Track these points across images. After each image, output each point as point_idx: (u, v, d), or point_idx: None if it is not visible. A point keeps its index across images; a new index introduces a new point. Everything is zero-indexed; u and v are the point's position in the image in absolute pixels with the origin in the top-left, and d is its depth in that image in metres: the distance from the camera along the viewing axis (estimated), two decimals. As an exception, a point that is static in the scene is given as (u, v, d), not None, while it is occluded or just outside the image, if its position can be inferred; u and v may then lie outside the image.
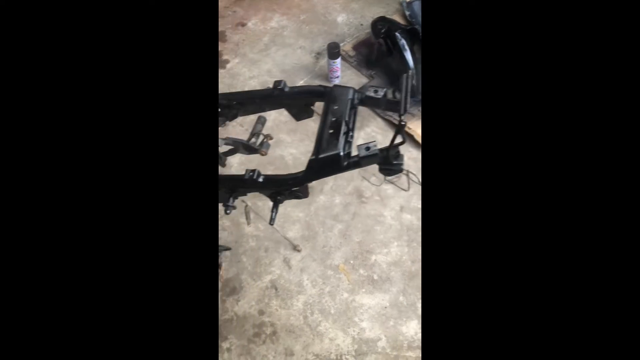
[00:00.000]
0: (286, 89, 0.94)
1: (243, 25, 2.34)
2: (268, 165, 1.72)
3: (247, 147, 1.14)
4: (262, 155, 1.19)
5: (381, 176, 1.68)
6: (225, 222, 1.60)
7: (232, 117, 0.97)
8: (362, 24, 2.25)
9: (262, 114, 1.20)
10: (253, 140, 1.15)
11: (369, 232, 1.54)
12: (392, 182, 1.66)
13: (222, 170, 1.29)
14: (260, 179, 0.81)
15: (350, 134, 0.81)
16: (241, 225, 1.59)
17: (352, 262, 1.48)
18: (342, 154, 0.78)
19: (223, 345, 1.34)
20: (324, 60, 2.13)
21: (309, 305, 1.40)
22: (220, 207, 0.93)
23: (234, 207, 0.85)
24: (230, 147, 1.15)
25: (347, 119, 0.81)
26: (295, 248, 1.51)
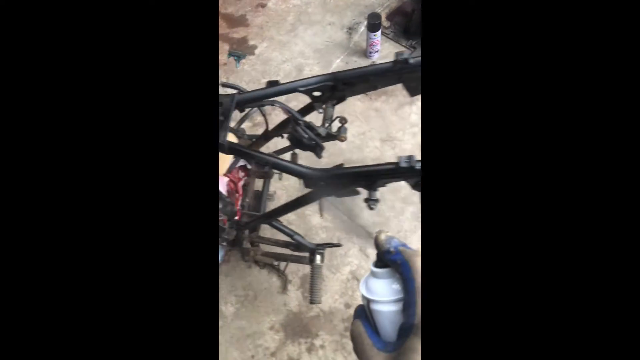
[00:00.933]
0: (411, 61, 0.83)
1: (263, 6, 2.21)
2: (321, 152, 1.64)
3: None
4: (342, 141, 1.10)
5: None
6: (290, 216, 1.53)
7: (339, 100, 0.88)
8: (391, -8, 2.12)
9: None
10: (327, 125, 1.06)
11: (444, 211, 1.48)
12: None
13: (323, 163, 1.19)
14: (418, 166, 0.70)
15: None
16: (307, 217, 1.53)
17: (432, 243, 1.42)
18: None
19: (315, 342, 1.30)
20: (357, 35, 2.01)
21: (396, 293, 1.35)
22: (355, 199, 0.84)
23: (378, 200, 0.75)
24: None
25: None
26: (370, 236, 1.45)
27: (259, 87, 0.91)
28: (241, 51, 2.05)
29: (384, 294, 0.34)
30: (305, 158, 1.06)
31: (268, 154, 0.74)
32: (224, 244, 1.14)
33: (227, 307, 1.46)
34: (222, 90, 1.04)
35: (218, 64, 2.03)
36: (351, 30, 2.04)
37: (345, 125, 1.09)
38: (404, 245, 0.35)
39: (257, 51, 2.04)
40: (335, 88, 0.83)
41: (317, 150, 0.92)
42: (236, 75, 1.98)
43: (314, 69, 1.94)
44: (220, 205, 0.91)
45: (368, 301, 0.35)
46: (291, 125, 0.93)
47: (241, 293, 1.48)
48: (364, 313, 0.36)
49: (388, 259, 0.34)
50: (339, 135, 1.06)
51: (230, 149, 0.72)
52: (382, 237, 0.35)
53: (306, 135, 0.95)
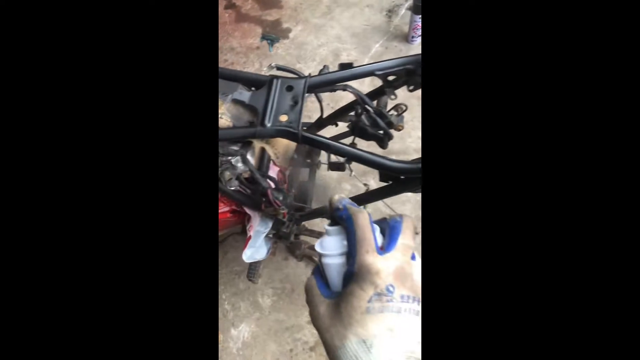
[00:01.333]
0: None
1: (297, -13, 2.12)
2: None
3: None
4: (399, 130, 1.04)
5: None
6: (330, 208, 1.48)
7: (417, 86, 0.81)
8: (433, -27, 2.01)
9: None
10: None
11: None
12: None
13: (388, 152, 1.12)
14: None
15: None
16: (347, 209, 1.47)
17: (480, 240, 1.36)
18: None
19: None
20: (397, 18, 1.92)
21: (442, 291, 1.29)
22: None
23: None
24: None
25: None
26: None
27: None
28: (274, 34, 1.97)
29: (333, 248, 0.37)
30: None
31: (346, 144, 0.68)
32: (270, 236, 1.09)
33: (263, 300, 1.42)
34: (277, 74, 0.97)
35: (218, 56, 1.96)
36: (391, 13, 1.95)
37: (403, 114, 1.03)
38: (352, 204, 0.37)
39: (291, 35, 1.97)
40: (414, 72, 0.76)
41: (385, 139, 0.85)
42: (270, 59, 1.90)
43: (351, 54, 1.86)
44: (280, 198, 0.85)
45: (320, 256, 0.38)
46: (357, 112, 0.86)
47: (278, 285, 1.44)
48: (318, 269, 0.39)
49: (337, 216, 0.37)
50: (395, 125, 1.00)
51: (304, 137, 0.66)
52: (336, 197, 0.39)
53: (368, 123, 0.89)
